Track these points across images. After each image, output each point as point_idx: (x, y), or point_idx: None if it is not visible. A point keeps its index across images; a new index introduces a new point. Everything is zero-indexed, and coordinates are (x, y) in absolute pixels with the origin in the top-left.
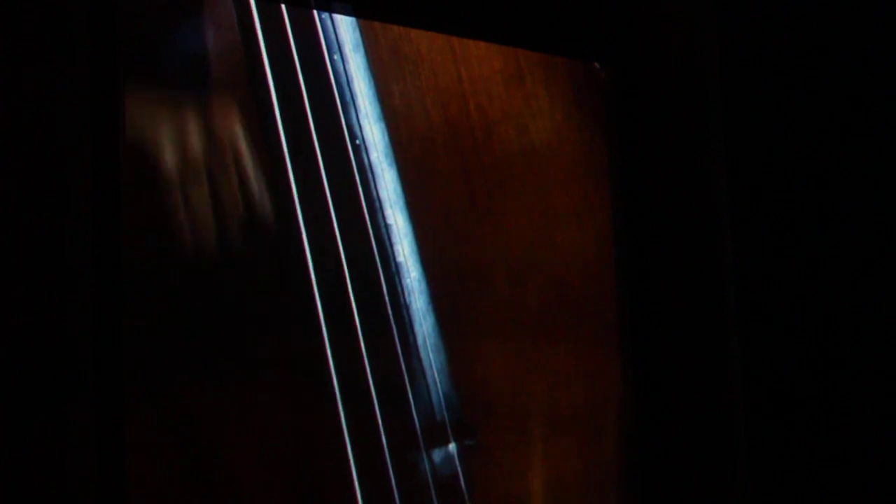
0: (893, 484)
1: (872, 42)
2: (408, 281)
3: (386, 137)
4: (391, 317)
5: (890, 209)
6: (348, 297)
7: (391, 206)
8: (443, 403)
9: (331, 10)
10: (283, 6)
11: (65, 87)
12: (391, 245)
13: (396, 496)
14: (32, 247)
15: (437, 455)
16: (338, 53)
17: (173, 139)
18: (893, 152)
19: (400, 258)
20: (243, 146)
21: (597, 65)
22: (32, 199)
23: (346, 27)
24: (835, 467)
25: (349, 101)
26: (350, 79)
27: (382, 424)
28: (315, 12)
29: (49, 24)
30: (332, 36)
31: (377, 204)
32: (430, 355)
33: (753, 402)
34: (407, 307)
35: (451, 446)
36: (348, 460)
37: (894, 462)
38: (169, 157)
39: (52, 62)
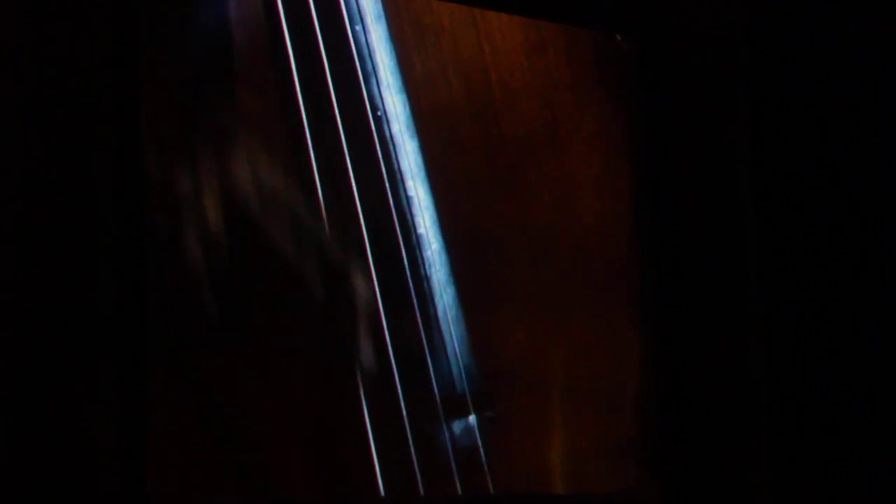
0: None
1: None
2: (428, 253)
3: (407, 109)
4: (412, 289)
5: None
6: (369, 268)
7: (412, 178)
8: (463, 375)
9: None
10: None
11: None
12: (412, 217)
13: (416, 468)
14: (60, 216)
15: (457, 427)
16: (359, 24)
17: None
18: None
19: (421, 230)
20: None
21: (619, 37)
22: (60, 164)
23: None
24: (857, 432)
25: (371, 73)
26: (372, 50)
27: (402, 396)
28: None
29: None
30: (354, 6)
31: (398, 176)
32: (451, 327)
33: (776, 373)
34: (427, 279)
35: (472, 418)
36: (368, 432)
37: None
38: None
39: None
